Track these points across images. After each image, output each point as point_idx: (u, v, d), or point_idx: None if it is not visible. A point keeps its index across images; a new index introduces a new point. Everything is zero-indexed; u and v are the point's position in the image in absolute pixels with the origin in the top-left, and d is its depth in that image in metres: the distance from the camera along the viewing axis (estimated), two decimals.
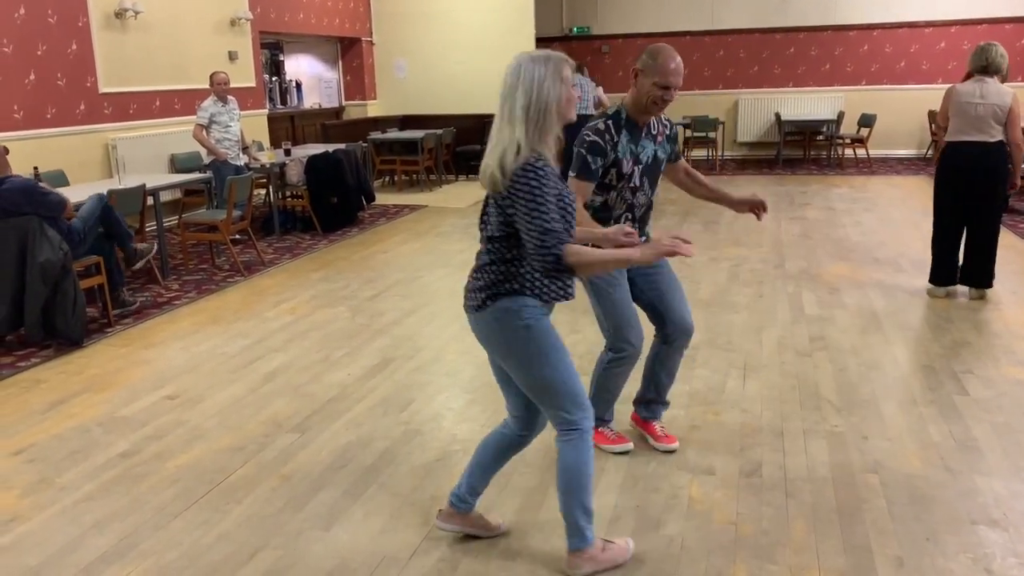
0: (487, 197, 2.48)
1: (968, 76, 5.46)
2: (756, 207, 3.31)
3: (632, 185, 3.19)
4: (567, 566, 2.67)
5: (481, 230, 2.53)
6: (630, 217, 3.26)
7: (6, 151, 4.95)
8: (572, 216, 2.44)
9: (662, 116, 3.28)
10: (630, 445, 3.50)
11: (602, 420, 3.48)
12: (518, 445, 2.78)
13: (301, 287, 6.42)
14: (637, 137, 3.17)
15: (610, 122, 3.12)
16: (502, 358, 2.55)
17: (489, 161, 2.39)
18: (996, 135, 5.29)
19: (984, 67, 5.33)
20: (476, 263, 2.55)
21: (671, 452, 3.48)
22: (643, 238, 3.29)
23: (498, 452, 2.79)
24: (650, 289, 3.35)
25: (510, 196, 2.35)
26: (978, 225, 5.47)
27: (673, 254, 2.44)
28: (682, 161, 3.46)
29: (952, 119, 5.40)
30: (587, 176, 3.10)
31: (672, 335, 3.39)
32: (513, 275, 2.45)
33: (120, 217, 5.72)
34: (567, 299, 2.55)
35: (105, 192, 5.77)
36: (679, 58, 3.08)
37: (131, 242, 5.77)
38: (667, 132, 3.31)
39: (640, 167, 3.19)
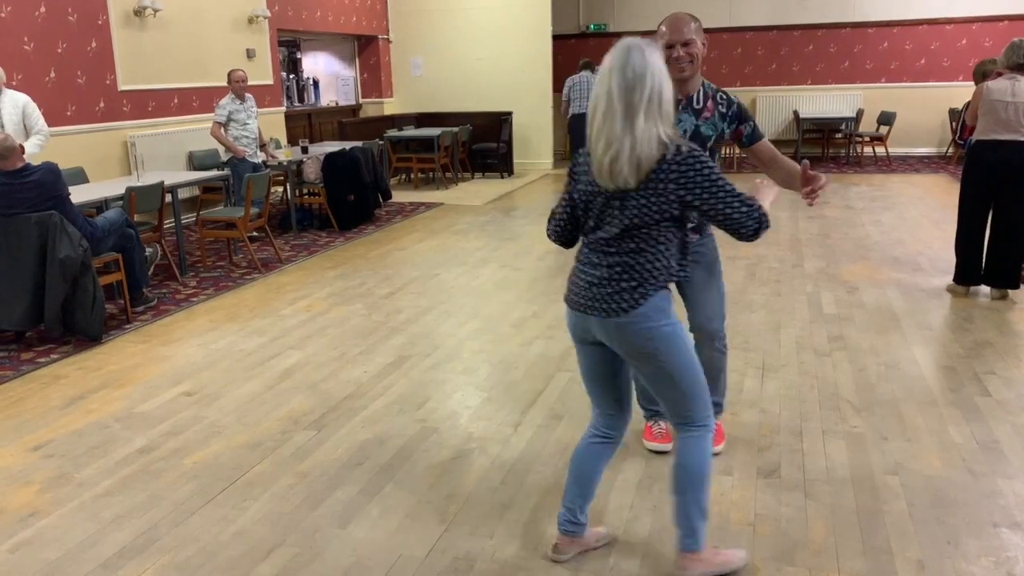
0: (597, 195, 2.39)
1: (998, 74, 5.39)
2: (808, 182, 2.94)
3: None
4: (678, 567, 2.59)
5: (595, 230, 2.43)
6: None
7: (22, 150, 4.99)
8: None
9: (719, 93, 3.10)
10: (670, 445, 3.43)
11: (656, 412, 3.53)
12: (612, 448, 2.70)
13: (318, 284, 6.44)
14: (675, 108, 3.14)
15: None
16: (646, 359, 2.43)
17: (621, 157, 2.28)
18: None
19: (1020, 64, 5.24)
20: (605, 263, 2.42)
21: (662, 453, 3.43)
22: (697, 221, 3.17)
23: (596, 461, 2.70)
24: (686, 282, 3.26)
25: (685, 186, 2.30)
26: (1006, 225, 5.39)
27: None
28: (764, 144, 3.18)
29: (981, 117, 5.32)
30: None
31: (694, 332, 3.33)
32: (659, 268, 2.39)
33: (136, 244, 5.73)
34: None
35: (125, 208, 5.82)
36: (679, 14, 3.05)
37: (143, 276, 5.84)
38: (721, 110, 3.09)
39: None
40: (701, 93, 3.10)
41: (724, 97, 3.12)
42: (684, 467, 2.52)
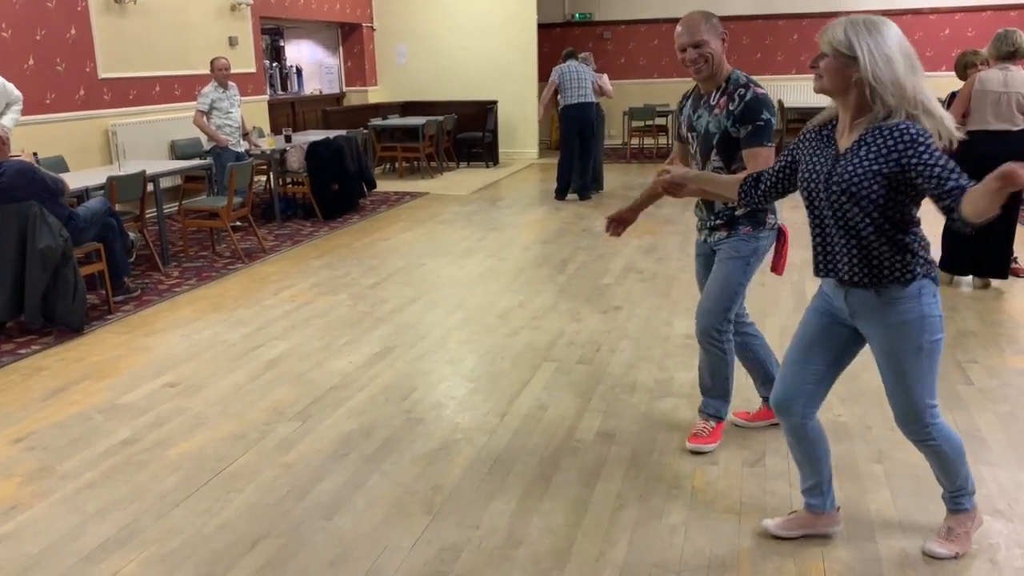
0: None
1: (984, 64, 5.40)
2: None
3: (692, 152, 3.25)
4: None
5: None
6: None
7: (5, 140, 4.92)
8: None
9: (739, 90, 3.03)
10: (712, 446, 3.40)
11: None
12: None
13: (302, 274, 6.40)
14: (697, 106, 3.20)
15: (692, 88, 3.25)
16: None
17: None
18: (1019, 123, 5.24)
19: (1012, 53, 5.25)
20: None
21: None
22: (703, 213, 3.31)
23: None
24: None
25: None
26: (997, 215, 5.39)
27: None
28: (749, 152, 3.02)
29: (974, 108, 5.32)
30: (678, 136, 3.38)
31: None
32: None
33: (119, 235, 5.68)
34: None
35: (106, 198, 5.75)
36: (692, 15, 3.09)
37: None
38: (731, 107, 3.02)
39: (695, 135, 3.19)
40: (721, 89, 3.10)
41: (743, 95, 3.02)
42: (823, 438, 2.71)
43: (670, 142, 13.27)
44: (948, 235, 5.69)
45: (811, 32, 13.61)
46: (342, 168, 8.61)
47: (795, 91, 13.76)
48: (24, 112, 7.01)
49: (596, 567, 2.65)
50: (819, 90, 2.44)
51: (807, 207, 2.51)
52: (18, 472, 3.37)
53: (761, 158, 2.99)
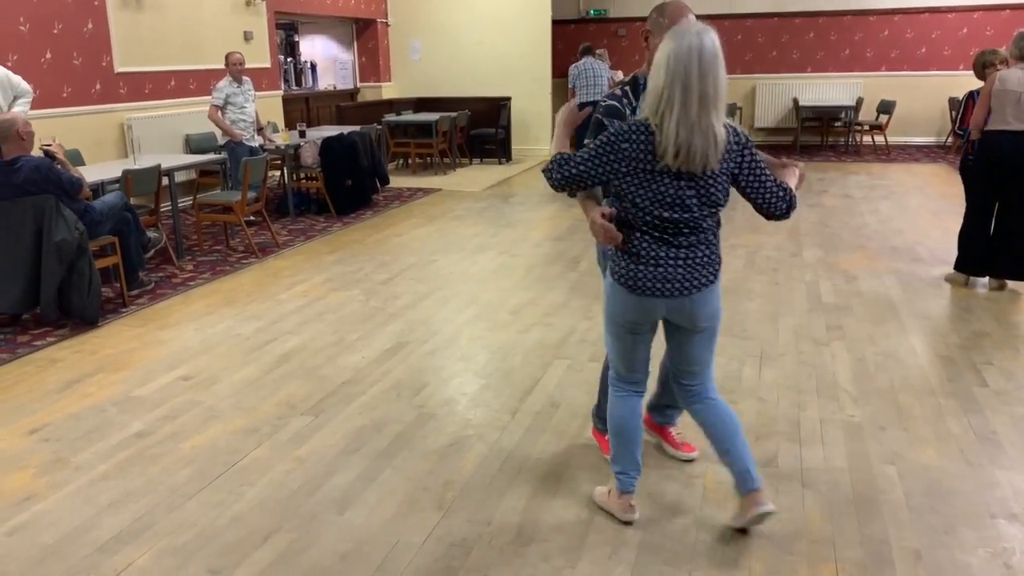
0: (663, 177, 2.50)
1: (1003, 62, 5.35)
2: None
3: None
4: (756, 504, 2.73)
5: (696, 211, 2.55)
6: None
7: (21, 136, 4.94)
8: None
9: None
10: (696, 453, 3.33)
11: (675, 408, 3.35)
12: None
13: (315, 269, 6.42)
14: None
15: (627, 87, 2.89)
16: (715, 320, 2.73)
17: (704, 141, 2.43)
18: None
19: None
20: (687, 244, 2.58)
21: (690, 462, 3.31)
22: None
23: (638, 417, 2.93)
24: None
25: (743, 166, 2.55)
26: (1015, 215, 5.36)
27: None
28: None
29: (994, 108, 5.27)
30: None
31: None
32: (719, 240, 2.69)
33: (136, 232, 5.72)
34: None
35: (123, 193, 5.78)
36: (691, 12, 2.79)
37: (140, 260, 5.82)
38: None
39: None
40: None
41: None
42: (730, 418, 2.80)
43: None
44: (965, 236, 5.65)
45: (827, 30, 13.54)
46: (355, 164, 8.63)
47: (810, 89, 13.70)
48: (41, 106, 7.08)
49: (607, 565, 2.64)
50: None
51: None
52: (33, 463, 3.39)
53: None
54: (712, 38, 2.42)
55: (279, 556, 2.73)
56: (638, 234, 2.59)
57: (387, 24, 13.18)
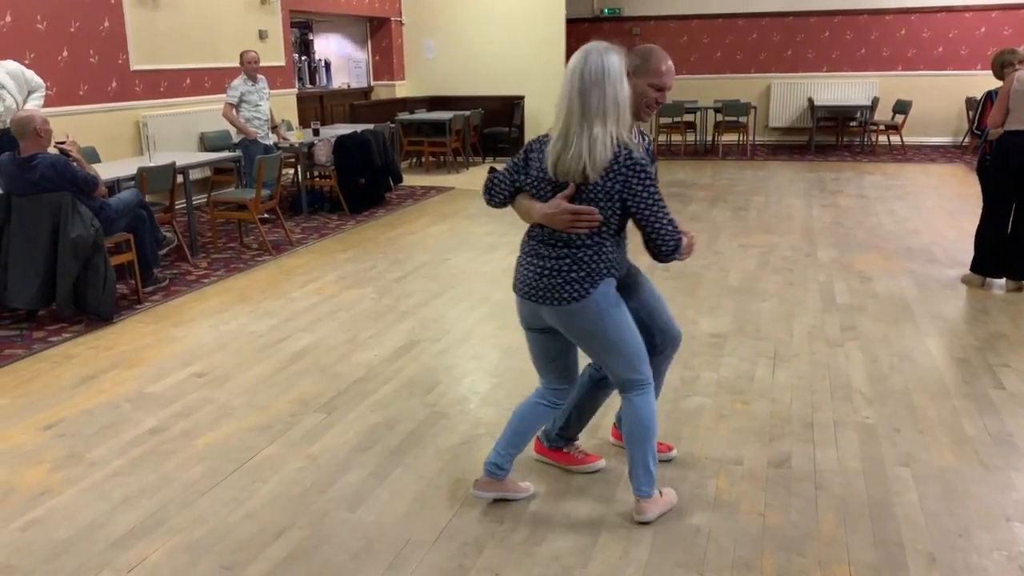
0: (572, 188, 2.54)
1: (1022, 62, 5.30)
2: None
3: None
4: (637, 512, 2.85)
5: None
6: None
7: (40, 132, 4.97)
8: None
9: (639, 126, 2.91)
10: (602, 463, 3.25)
11: (572, 440, 3.27)
12: (551, 414, 2.97)
13: (328, 267, 6.44)
14: None
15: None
16: (590, 339, 2.69)
17: (578, 154, 2.48)
18: None
19: None
20: (554, 255, 2.62)
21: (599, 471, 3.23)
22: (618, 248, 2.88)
23: (533, 421, 2.95)
24: (637, 302, 2.96)
25: (627, 190, 2.51)
26: None
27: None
28: None
29: (1012, 108, 5.22)
30: None
31: (661, 344, 3.03)
32: (605, 258, 2.61)
33: (151, 229, 5.76)
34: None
35: (138, 190, 5.83)
36: (670, 60, 2.85)
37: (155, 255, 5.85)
38: (646, 145, 2.90)
39: None
40: (635, 128, 2.88)
41: (643, 132, 2.95)
42: (638, 422, 2.77)
43: (698, 139, 13.19)
44: (981, 238, 5.60)
45: (843, 29, 13.46)
46: (369, 162, 8.64)
47: (825, 89, 13.62)
48: (58, 103, 7.14)
49: (619, 565, 2.64)
50: None
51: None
52: (48, 458, 3.42)
53: None
54: (602, 58, 2.47)
55: (291, 553, 2.74)
56: (527, 234, 2.74)
57: (401, 23, 13.20)
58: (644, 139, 2.95)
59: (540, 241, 2.67)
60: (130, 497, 3.10)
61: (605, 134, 2.47)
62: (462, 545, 2.76)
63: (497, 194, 2.80)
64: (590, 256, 2.59)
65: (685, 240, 2.61)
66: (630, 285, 2.93)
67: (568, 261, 2.59)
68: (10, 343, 4.79)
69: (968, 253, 5.80)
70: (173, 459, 3.39)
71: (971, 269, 5.67)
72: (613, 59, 2.48)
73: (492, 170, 2.80)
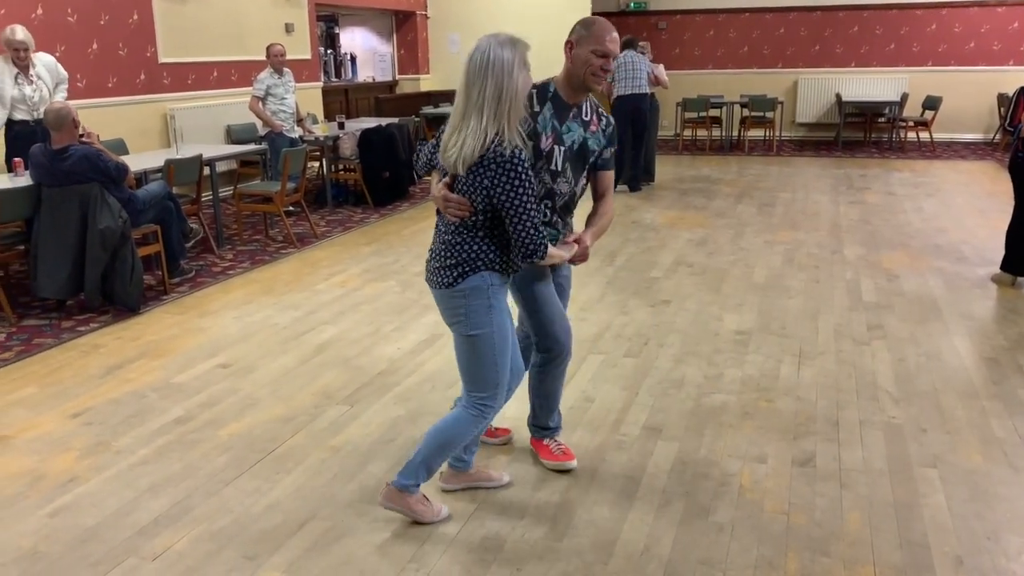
0: (450, 177, 2.58)
1: None
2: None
3: (552, 168, 2.85)
4: (382, 496, 2.84)
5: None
6: (549, 205, 2.92)
7: (76, 123, 5.03)
8: (543, 204, 2.74)
9: (599, 108, 2.96)
10: (574, 463, 3.20)
11: (545, 428, 3.26)
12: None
13: (352, 260, 6.46)
14: (563, 116, 2.86)
15: (534, 92, 2.85)
16: (456, 329, 2.69)
17: (455, 146, 2.49)
18: None
19: None
20: (439, 240, 2.68)
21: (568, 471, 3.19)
22: (565, 230, 3.02)
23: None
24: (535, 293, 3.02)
25: (494, 187, 2.47)
26: None
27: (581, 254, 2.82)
28: (608, 175, 3.01)
29: None
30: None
31: (544, 346, 3.05)
32: (478, 251, 2.59)
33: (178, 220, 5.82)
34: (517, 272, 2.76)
35: (166, 182, 5.88)
36: (615, 29, 2.87)
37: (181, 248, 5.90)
38: (603, 127, 2.94)
39: (563, 149, 2.84)
40: (588, 105, 2.94)
41: (603, 114, 2.98)
42: (440, 429, 2.75)
43: (724, 134, 13.08)
44: (1013, 235, 5.52)
45: (872, 24, 13.29)
46: (393, 156, 8.66)
47: (854, 84, 13.46)
48: (87, 96, 7.22)
49: (640, 562, 2.63)
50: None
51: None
52: (76, 446, 3.46)
53: (612, 181, 3.08)
54: (490, 51, 2.43)
55: (314, 544, 2.75)
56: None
57: (426, 16, 13.20)
58: (602, 120, 2.95)
59: (437, 223, 2.73)
60: (156, 485, 3.13)
61: (480, 128, 2.44)
62: (484, 539, 2.76)
63: (420, 167, 2.89)
64: (464, 246, 2.59)
65: (563, 252, 2.71)
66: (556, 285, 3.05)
67: (445, 247, 2.63)
68: (39, 332, 4.85)
69: (999, 252, 5.72)
70: (198, 449, 3.43)
71: (1001, 268, 5.59)
72: (500, 52, 2.43)
73: (423, 142, 2.87)
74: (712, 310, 5.11)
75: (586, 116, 2.92)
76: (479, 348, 2.65)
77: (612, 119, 3.01)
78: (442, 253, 2.63)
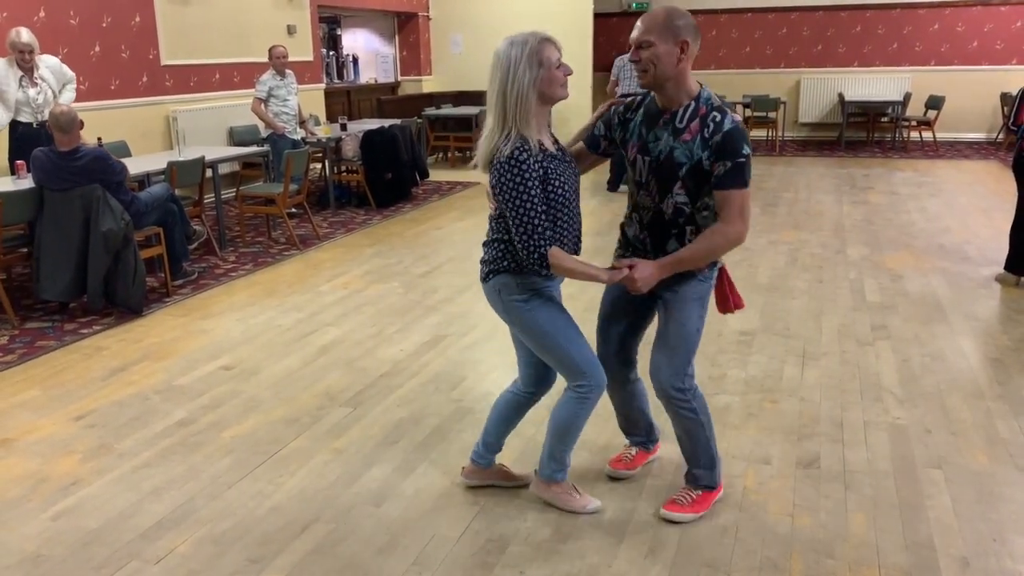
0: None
1: None
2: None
3: (637, 179, 2.64)
4: (534, 486, 2.93)
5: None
6: (637, 219, 2.71)
7: (81, 124, 5.04)
8: (560, 201, 2.54)
9: (715, 115, 2.47)
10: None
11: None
12: (527, 403, 2.98)
13: (355, 262, 6.46)
14: (653, 123, 2.57)
15: (637, 97, 2.67)
16: (509, 324, 2.77)
17: (480, 147, 2.54)
18: None
19: None
20: (486, 236, 2.74)
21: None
22: (654, 252, 2.69)
23: (509, 410, 2.98)
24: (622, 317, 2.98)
25: (496, 187, 2.50)
26: None
27: (626, 282, 2.58)
28: (721, 196, 2.49)
29: None
30: (586, 140, 2.83)
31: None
32: (506, 251, 2.62)
33: (180, 222, 5.82)
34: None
35: (169, 185, 5.89)
36: (657, 9, 2.61)
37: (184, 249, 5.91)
38: (706, 134, 2.46)
39: (647, 160, 2.57)
40: (690, 110, 2.51)
41: (717, 120, 2.46)
42: (554, 418, 2.80)
43: None
44: (1017, 235, 5.50)
45: (875, 24, 13.27)
46: (396, 157, 8.66)
47: (856, 84, 13.45)
48: (90, 98, 7.22)
49: (644, 564, 2.62)
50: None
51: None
52: (79, 448, 3.46)
53: (736, 202, 2.48)
54: (498, 51, 2.50)
55: (317, 547, 2.75)
56: None
57: (428, 18, 13.20)
58: (707, 127, 2.48)
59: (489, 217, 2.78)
60: (159, 488, 3.13)
61: (492, 128, 2.49)
62: (487, 541, 2.75)
63: None
64: (494, 244, 2.65)
65: (598, 271, 2.62)
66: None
67: (485, 242, 2.71)
68: (42, 335, 4.85)
69: (1003, 251, 5.70)
70: (201, 451, 3.42)
71: (1005, 268, 5.57)
72: (508, 51, 2.46)
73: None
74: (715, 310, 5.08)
75: (680, 123, 2.51)
76: (536, 341, 2.70)
77: (730, 124, 2.46)
78: (484, 247, 2.71)
